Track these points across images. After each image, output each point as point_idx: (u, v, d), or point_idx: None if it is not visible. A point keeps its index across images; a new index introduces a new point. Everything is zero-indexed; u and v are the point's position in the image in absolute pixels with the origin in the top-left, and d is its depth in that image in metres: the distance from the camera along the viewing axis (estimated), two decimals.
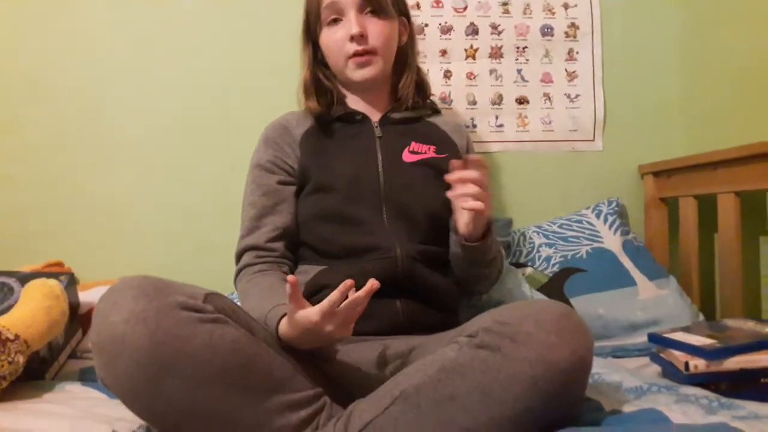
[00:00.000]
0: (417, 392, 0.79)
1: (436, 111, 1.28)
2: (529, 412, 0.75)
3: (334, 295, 0.81)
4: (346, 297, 0.83)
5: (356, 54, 1.14)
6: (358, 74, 1.16)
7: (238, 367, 0.80)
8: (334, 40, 1.16)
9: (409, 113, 1.22)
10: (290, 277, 0.82)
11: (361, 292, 0.82)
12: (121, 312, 0.75)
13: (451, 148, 1.22)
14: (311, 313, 0.83)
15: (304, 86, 1.22)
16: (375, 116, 1.22)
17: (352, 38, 1.13)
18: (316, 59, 1.23)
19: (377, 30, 1.15)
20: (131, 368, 0.75)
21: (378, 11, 1.16)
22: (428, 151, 1.19)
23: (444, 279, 1.12)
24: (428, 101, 1.29)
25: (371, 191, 1.11)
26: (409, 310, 1.06)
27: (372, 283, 0.82)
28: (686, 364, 0.98)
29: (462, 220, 1.04)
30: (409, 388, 0.80)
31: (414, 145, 1.18)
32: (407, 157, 1.17)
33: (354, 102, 1.24)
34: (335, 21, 1.16)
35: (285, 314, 0.89)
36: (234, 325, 0.83)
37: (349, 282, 0.82)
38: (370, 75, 1.16)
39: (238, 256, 1.14)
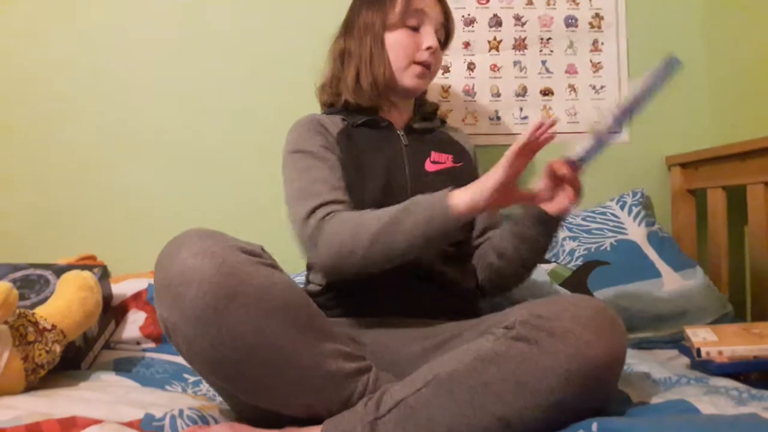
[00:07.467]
0: (450, 378, 0.81)
1: (443, 122, 1.33)
2: (561, 403, 0.77)
3: (525, 134, 0.90)
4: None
5: (423, 64, 1.18)
6: (414, 81, 1.19)
7: (296, 306, 0.85)
8: (408, 42, 1.18)
9: (428, 123, 1.27)
10: (553, 118, 0.92)
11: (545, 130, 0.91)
12: (190, 249, 0.80)
13: (466, 157, 1.27)
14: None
15: (365, 80, 1.17)
16: (398, 125, 1.24)
17: (428, 48, 1.17)
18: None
19: (440, 55, 1.24)
20: (199, 298, 0.78)
21: (447, 41, 1.26)
22: (447, 161, 1.23)
23: (463, 276, 1.16)
24: (438, 114, 1.33)
25: (399, 200, 1.09)
26: (431, 296, 1.09)
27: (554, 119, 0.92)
28: (698, 351, 0.98)
29: (555, 208, 1.07)
30: (443, 374, 0.82)
31: (434, 155, 1.22)
32: (429, 166, 1.20)
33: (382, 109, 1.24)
34: (413, 28, 1.19)
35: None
36: (288, 276, 0.88)
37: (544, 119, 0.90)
38: (421, 87, 1.21)
39: (311, 212, 1.03)
